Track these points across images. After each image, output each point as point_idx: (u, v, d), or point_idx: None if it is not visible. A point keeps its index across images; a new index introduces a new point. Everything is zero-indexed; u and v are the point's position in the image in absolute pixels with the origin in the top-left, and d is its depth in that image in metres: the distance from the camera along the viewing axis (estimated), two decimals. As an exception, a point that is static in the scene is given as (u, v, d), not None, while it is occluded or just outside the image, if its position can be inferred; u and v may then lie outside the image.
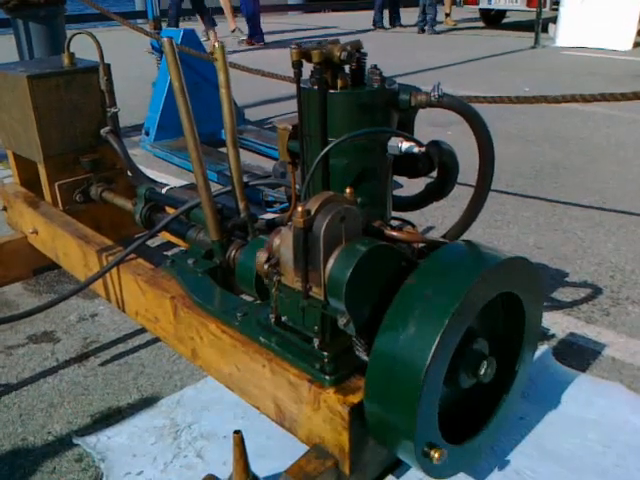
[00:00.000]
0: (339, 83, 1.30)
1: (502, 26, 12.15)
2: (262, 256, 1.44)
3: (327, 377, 1.31)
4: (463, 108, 1.35)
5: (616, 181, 3.66)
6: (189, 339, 1.67)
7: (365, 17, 12.33)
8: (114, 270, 1.90)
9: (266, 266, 1.29)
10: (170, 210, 2.19)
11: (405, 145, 1.33)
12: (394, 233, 1.33)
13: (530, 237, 2.90)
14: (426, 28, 10.92)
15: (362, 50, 1.32)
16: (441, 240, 1.41)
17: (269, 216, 3.00)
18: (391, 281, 1.23)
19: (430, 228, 2.99)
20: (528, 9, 10.44)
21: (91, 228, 2.23)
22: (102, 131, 2.43)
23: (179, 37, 4.10)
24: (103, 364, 1.99)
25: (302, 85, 1.33)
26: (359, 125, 1.31)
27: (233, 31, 9.76)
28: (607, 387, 1.85)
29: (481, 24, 12.34)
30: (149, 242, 2.68)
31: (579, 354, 2.02)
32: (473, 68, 7.36)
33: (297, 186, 1.62)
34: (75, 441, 1.64)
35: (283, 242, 1.26)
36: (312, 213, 1.17)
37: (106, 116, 2.43)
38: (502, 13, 12.38)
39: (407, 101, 1.34)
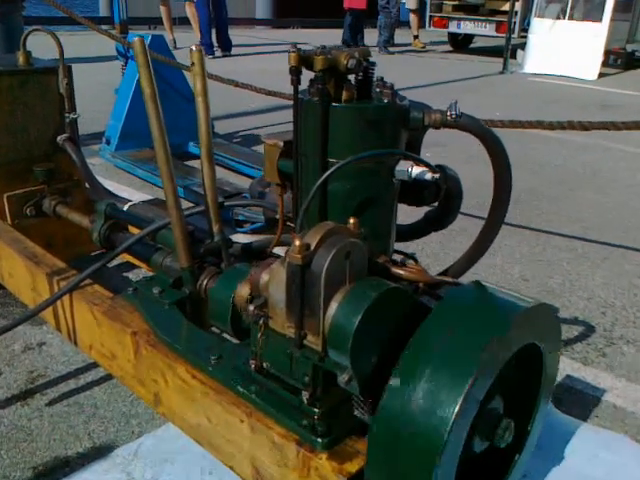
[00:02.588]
0: (344, 95, 1.11)
1: (469, 50, 12.25)
2: (243, 291, 1.24)
3: (319, 439, 1.11)
4: (482, 131, 1.19)
5: (595, 210, 3.58)
6: (152, 382, 1.44)
7: (335, 35, 12.26)
8: (66, 297, 1.66)
9: (251, 307, 1.09)
10: (133, 229, 1.96)
11: (416, 170, 1.15)
12: (401, 271, 1.15)
13: (515, 267, 2.76)
14: (377, 48, 10.94)
15: (370, 59, 1.14)
16: (452, 281, 1.23)
17: (239, 237, 2.81)
18: (401, 330, 1.05)
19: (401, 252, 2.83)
20: (497, 35, 10.55)
21: (42, 245, 1.98)
22: (59, 138, 2.20)
23: (147, 42, 3.87)
24: (50, 403, 1.74)
25: (300, 96, 1.14)
26: (365, 144, 1.13)
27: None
28: (612, 439, 1.70)
29: (449, 47, 12.42)
30: (107, 262, 2.44)
31: (579, 400, 1.87)
32: (442, 90, 7.30)
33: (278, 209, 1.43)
34: (11, 502, 1.39)
35: (273, 279, 1.06)
36: (312, 247, 0.98)
37: (64, 122, 2.20)
38: (470, 38, 12.50)
39: (420, 120, 1.16)
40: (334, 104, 1.12)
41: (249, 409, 1.21)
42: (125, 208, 2.01)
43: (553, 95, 7.39)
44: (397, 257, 1.43)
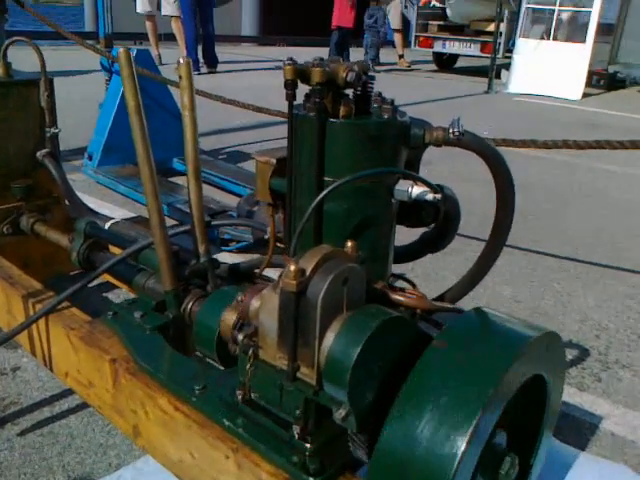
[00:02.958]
0: (341, 110, 1.05)
1: (454, 70, 12.33)
2: (229, 318, 1.16)
3: (310, 478, 1.03)
4: (486, 150, 1.13)
5: (585, 230, 3.55)
6: (131, 413, 1.35)
7: (321, 53, 12.28)
8: (42, 320, 1.57)
9: (240, 336, 1.01)
10: (114, 249, 1.88)
11: (416, 190, 1.09)
12: (401, 298, 1.08)
13: (506, 288, 2.71)
14: None
15: (370, 73, 1.08)
16: (454, 307, 1.17)
17: (225, 256, 2.72)
18: (401, 361, 0.98)
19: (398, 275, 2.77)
20: (482, 55, 10.64)
21: (19, 264, 1.90)
22: (39, 154, 2.11)
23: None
24: (22, 433, 1.64)
25: (294, 111, 1.08)
26: (363, 163, 1.06)
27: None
28: (612, 470, 1.63)
29: (434, 67, 12.50)
30: (87, 281, 2.34)
31: (576, 428, 1.80)
32: (428, 109, 7.28)
33: (269, 229, 1.36)
34: None
35: (264, 307, 0.99)
36: (307, 273, 0.91)
37: (44, 137, 2.12)
38: (455, 57, 12.60)
39: (420, 137, 1.11)
40: (331, 119, 1.06)
41: (235, 444, 1.13)
42: (106, 226, 1.93)
43: (539, 114, 7.42)
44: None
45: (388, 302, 1.08)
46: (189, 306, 1.48)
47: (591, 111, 7.88)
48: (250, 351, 1.02)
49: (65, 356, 1.53)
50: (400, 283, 1.33)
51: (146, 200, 1.45)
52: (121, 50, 1.38)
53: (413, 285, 1.26)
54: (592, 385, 2.01)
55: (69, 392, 1.79)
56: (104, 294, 2.38)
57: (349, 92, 1.11)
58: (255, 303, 1.03)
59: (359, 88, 1.07)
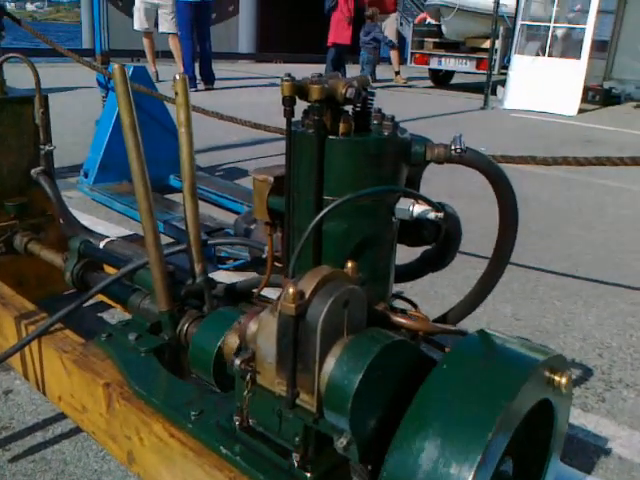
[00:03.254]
0: (341, 127, 1.02)
1: (450, 86, 12.39)
2: (232, 342, 1.13)
3: (311, 509, 0.99)
4: (488, 167, 1.10)
5: (584, 246, 3.52)
6: (125, 439, 1.31)
7: (317, 70, 12.31)
8: (35, 343, 1.53)
9: (237, 361, 0.97)
10: (109, 268, 1.84)
11: (418, 209, 1.06)
12: (403, 320, 1.05)
13: (507, 306, 2.68)
14: None
15: (369, 89, 1.05)
16: (455, 329, 1.14)
17: (222, 274, 2.69)
18: (404, 386, 0.94)
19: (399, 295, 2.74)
20: (477, 71, 10.71)
21: (12, 284, 1.86)
22: (33, 171, 2.08)
23: (128, 73, 3.79)
24: (14, 460, 1.59)
25: (292, 127, 1.05)
26: (363, 181, 1.04)
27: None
28: (620, 495, 1.59)
29: (430, 83, 12.56)
30: (81, 301, 2.30)
31: (581, 450, 1.76)
32: (425, 126, 7.29)
33: (266, 248, 1.33)
34: None
35: (262, 331, 0.95)
36: (306, 296, 0.88)
37: (39, 154, 2.09)
38: (450, 74, 12.67)
39: (421, 154, 1.08)
40: (330, 137, 1.03)
41: (233, 473, 1.09)
42: (101, 245, 1.90)
43: (536, 130, 7.44)
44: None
45: (390, 324, 1.05)
46: (185, 327, 1.45)
47: (587, 127, 7.90)
48: (248, 376, 0.99)
49: (58, 380, 1.49)
50: (403, 304, 1.30)
51: (141, 219, 1.42)
52: (116, 66, 1.36)
53: (415, 306, 1.23)
54: (596, 405, 1.97)
55: (63, 416, 1.74)
56: (99, 314, 2.34)
57: (348, 108, 1.09)
58: (253, 326, 0.99)
59: (359, 104, 1.05)
